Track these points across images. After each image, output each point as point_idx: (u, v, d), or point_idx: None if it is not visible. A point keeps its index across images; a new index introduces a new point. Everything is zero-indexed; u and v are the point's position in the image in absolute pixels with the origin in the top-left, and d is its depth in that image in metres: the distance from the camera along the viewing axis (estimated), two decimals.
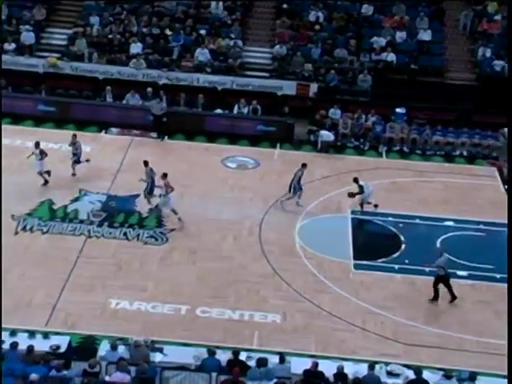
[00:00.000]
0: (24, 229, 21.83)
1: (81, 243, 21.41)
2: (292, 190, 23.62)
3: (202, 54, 30.79)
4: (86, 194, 23.74)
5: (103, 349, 16.83)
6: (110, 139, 27.63)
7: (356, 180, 23.72)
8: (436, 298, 19.79)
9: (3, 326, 17.65)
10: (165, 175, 22.57)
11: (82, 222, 22.40)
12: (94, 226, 22.26)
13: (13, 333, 17.09)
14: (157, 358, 16.60)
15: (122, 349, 16.66)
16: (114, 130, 28.19)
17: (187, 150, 27.24)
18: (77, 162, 24.64)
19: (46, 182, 24.00)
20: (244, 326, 18.81)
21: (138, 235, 22.05)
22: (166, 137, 28.04)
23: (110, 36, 31.42)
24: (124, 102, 29.11)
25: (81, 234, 21.86)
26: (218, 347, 16.95)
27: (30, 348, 15.94)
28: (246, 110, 29.14)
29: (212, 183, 24.86)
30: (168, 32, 31.75)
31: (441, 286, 19.73)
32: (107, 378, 15.36)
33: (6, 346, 16.16)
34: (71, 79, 29.98)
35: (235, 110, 29.22)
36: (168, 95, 29.35)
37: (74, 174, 24.60)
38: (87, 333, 18.05)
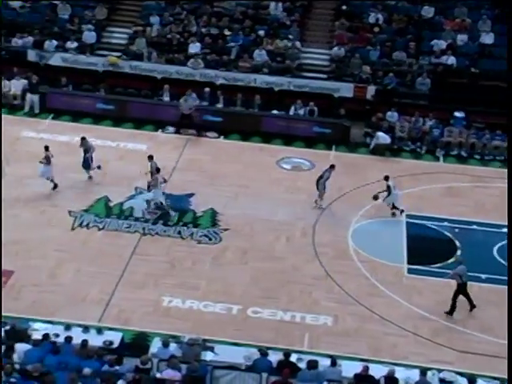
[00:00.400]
0: (81, 225, 22.13)
1: (135, 240, 21.63)
2: (321, 188, 23.61)
3: (259, 55, 30.84)
4: (142, 192, 23.95)
5: (155, 346, 16.98)
6: (166, 138, 27.83)
7: (386, 178, 23.40)
8: (452, 311, 19.32)
9: (58, 319, 18.05)
10: (158, 170, 22.76)
11: (137, 219, 22.61)
12: (148, 223, 22.47)
13: (67, 327, 17.38)
14: (208, 356, 16.68)
15: (173, 346, 16.77)
16: (170, 128, 28.39)
17: (242, 151, 27.29)
18: (87, 166, 24.12)
19: (55, 185, 23.48)
20: (295, 327, 18.78)
21: (192, 234, 22.18)
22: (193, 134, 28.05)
23: (169, 36, 31.65)
24: (181, 101, 29.25)
25: (136, 231, 22.08)
26: (268, 348, 16.93)
27: (84, 343, 16.15)
28: (302, 112, 29.07)
29: (266, 184, 24.85)
30: (227, 32, 31.86)
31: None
32: (158, 375, 15.48)
33: (60, 340, 16.42)
34: (130, 78, 30.25)
35: (291, 111, 29.17)
36: (225, 95, 29.47)
37: (90, 177, 24.18)
38: (140, 329, 18.25)
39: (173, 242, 21.72)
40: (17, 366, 14.95)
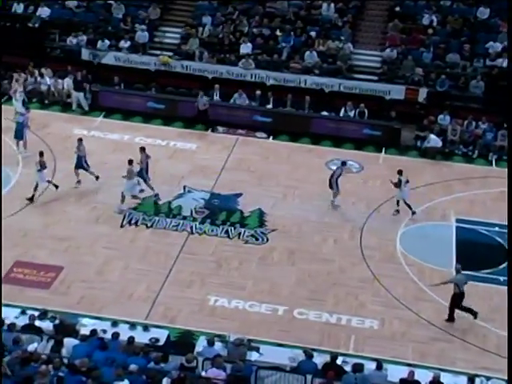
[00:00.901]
0: (129, 222, 22.32)
1: (183, 239, 21.72)
2: (334, 187, 23.49)
3: (310, 56, 30.75)
4: (190, 191, 24.06)
5: (200, 344, 17.02)
6: (215, 138, 27.91)
7: (400, 172, 23.18)
8: (473, 314, 18.94)
9: (106, 315, 18.22)
10: (130, 162, 22.79)
11: (185, 218, 22.71)
12: (196, 222, 22.55)
13: (115, 323, 17.53)
14: (253, 356, 16.67)
15: (218, 346, 16.80)
16: (220, 128, 28.46)
17: (291, 152, 27.23)
18: (80, 167, 23.64)
19: (56, 186, 23.14)
20: (341, 329, 18.68)
21: (239, 234, 22.20)
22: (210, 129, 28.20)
23: (221, 36, 31.76)
24: (231, 101, 29.38)
25: (183, 230, 22.17)
26: (313, 349, 16.84)
27: (131, 339, 16.27)
28: (352, 113, 28.90)
29: (315, 185, 24.75)
30: (278, 33, 31.83)
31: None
32: (203, 374, 15.50)
33: (108, 336, 16.58)
34: (181, 77, 30.40)
35: (341, 113, 29.01)
36: (275, 96, 29.45)
37: (78, 181, 23.71)
38: (185, 328, 18.31)
39: (220, 242, 21.76)
40: (65, 361, 15.12)
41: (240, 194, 24.01)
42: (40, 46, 31.00)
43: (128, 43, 31.17)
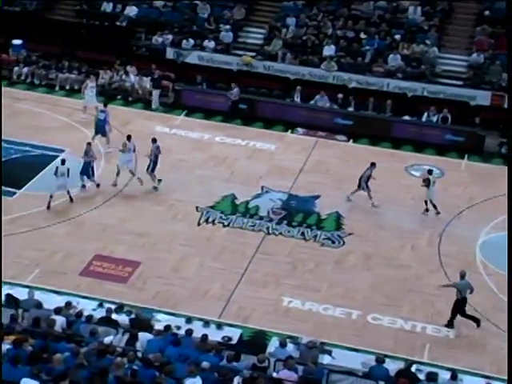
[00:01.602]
0: (207, 221, 22.46)
1: (259, 239, 21.75)
2: (363, 186, 23.39)
3: (394, 59, 30.41)
4: (268, 192, 24.10)
5: (272, 345, 17.00)
6: (295, 139, 27.87)
7: (430, 172, 23.18)
8: (476, 322, 18.61)
9: (180, 312, 18.39)
10: (128, 137, 23.58)
11: (261, 218, 22.75)
12: (273, 223, 22.54)
13: (189, 320, 17.67)
14: (325, 360, 16.54)
15: (291, 347, 16.74)
16: (299, 130, 28.41)
17: (371, 155, 26.89)
18: (84, 173, 23.26)
19: (71, 199, 22.65)
20: (415, 337, 18.40)
21: (316, 236, 22.11)
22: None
23: (305, 37, 31.71)
24: (312, 102, 29.30)
25: (260, 230, 22.20)
26: (386, 356, 16.63)
27: (204, 337, 16.34)
28: (435, 118, 28.45)
29: (394, 190, 24.46)
30: (362, 35, 31.60)
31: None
32: (274, 375, 15.44)
33: (181, 332, 16.72)
34: (263, 78, 30.49)
35: (424, 118, 28.59)
36: (356, 99, 29.25)
37: (83, 186, 23.35)
38: (258, 328, 18.32)
39: (296, 244, 21.72)
40: (139, 354, 15.31)
41: (318, 197, 23.90)
42: (126, 45, 31.56)
43: (212, 43, 31.43)
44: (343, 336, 18.13)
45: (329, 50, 30.96)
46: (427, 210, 23.31)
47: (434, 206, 23.20)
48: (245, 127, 28.34)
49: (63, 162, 22.47)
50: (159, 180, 23.71)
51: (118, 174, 23.51)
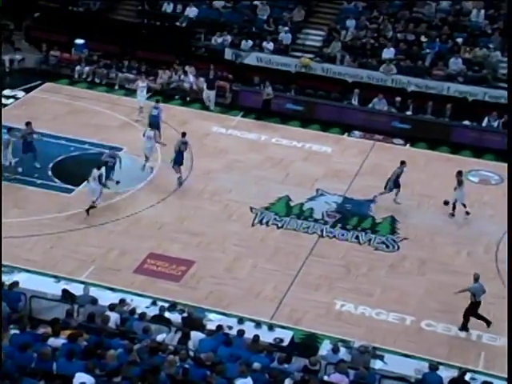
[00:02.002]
0: (260, 222, 22.46)
1: (313, 242, 21.68)
2: (388, 187, 23.21)
3: (455, 63, 30.02)
4: (323, 194, 24.00)
5: (324, 348, 16.96)
6: (352, 142, 27.73)
7: (460, 173, 23.13)
8: (487, 323, 18.54)
9: (232, 312, 18.44)
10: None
11: (316, 220, 22.67)
12: (327, 226, 22.45)
13: (240, 321, 17.71)
14: (377, 365, 16.44)
15: (342, 351, 16.66)
16: (356, 133, 28.25)
17: (429, 160, 26.70)
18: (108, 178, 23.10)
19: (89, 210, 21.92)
20: (470, 345, 18.14)
21: (370, 240, 21.95)
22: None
23: (364, 40, 31.53)
24: (370, 105, 29.11)
25: (314, 232, 22.13)
26: (440, 363, 16.43)
27: (256, 338, 16.38)
28: (496, 124, 27.99)
29: (451, 195, 24.11)
30: (423, 39, 31.27)
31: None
32: (326, 378, 15.39)
33: (233, 332, 16.76)
34: (321, 80, 30.37)
35: (484, 123, 28.16)
36: (415, 103, 28.96)
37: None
38: (310, 330, 18.26)
39: (350, 247, 21.59)
40: (191, 353, 15.41)
41: (373, 200, 23.74)
42: (186, 45, 31.80)
43: (271, 44, 31.44)
44: (396, 341, 17.97)
45: (388, 53, 30.71)
46: (453, 214, 23.21)
47: (464, 205, 23.11)
48: (301, 129, 28.28)
49: (99, 167, 22.06)
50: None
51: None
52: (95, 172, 21.70)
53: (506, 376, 15.15)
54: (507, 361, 14.85)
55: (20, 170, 23.56)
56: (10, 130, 23.39)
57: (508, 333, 16.63)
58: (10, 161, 23.14)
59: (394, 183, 23.42)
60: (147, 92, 28.38)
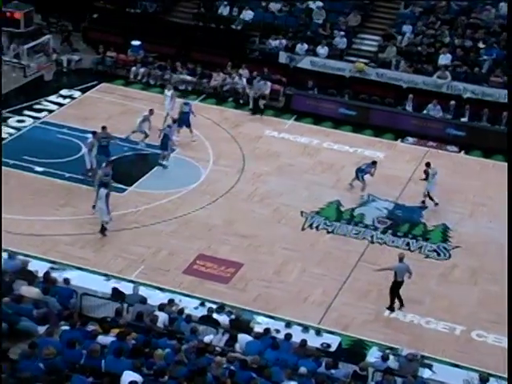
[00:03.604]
0: (311, 226, 22.40)
1: (363, 247, 21.56)
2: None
3: None
4: (374, 200, 23.85)
5: (372, 355, 16.82)
6: (404, 148, 27.48)
7: (428, 165, 23.52)
8: (401, 303, 19.16)
9: (280, 316, 18.42)
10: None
11: (366, 226, 22.54)
12: (377, 232, 22.31)
13: (288, 324, 17.67)
14: (425, 374, 16.26)
15: (390, 358, 16.47)
16: (410, 139, 28.00)
17: (484, 168, 26.33)
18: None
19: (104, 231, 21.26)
20: None
21: (421, 247, 21.74)
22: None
23: (420, 46, 31.23)
24: (424, 112, 28.82)
25: (364, 238, 22.01)
26: (490, 374, 16.18)
27: (303, 342, 16.31)
28: None
29: (505, 205, 23.68)
30: (480, 45, 30.87)
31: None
32: None
33: (280, 336, 16.73)
34: (375, 85, 30.19)
35: None
36: (471, 109, 28.58)
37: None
38: (358, 336, 18.16)
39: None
40: (237, 355, 15.42)
41: (425, 207, 23.49)
42: (240, 48, 31.89)
43: (325, 48, 31.36)
44: (445, 351, 17.78)
45: (444, 59, 30.37)
46: (424, 202, 23.54)
47: (431, 199, 23.45)
48: (354, 134, 28.14)
49: (106, 185, 21.34)
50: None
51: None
52: (102, 191, 21.02)
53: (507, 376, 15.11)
54: (507, 361, 14.69)
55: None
56: (94, 133, 23.63)
57: (508, 333, 16.46)
58: (92, 164, 23.30)
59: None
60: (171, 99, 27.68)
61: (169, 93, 27.44)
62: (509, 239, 20.70)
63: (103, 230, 21.13)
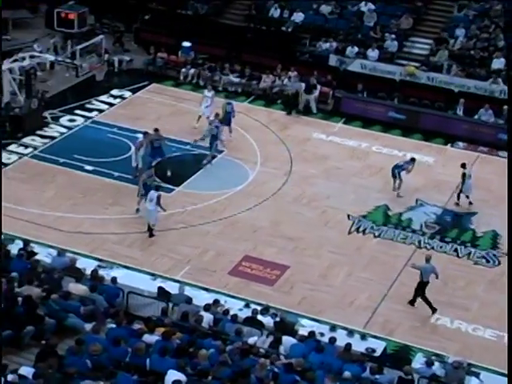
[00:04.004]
0: (357, 230, 22.28)
1: (410, 252, 21.35)
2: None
3: None
4: (422, 205, 23.61)
5: (417, 361, 16.68)
6: (454, 153, 27.11)
7: (463, 165, 23.47)
8: (432, 309, 19.03)
9: (325, 319, 18.35)
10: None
11: (414, 231, 22.33)
12: (425, 237, 22.08)
13: (333, 328, 17.64)
14: (472, 382, 16.12)
15: (436, 365, 16.34)
16: (460, 144, 27.67)
17: None
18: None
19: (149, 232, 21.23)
20: None
21: (469, 254, 21.48)
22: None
23: (473, 50, 30.85)
24: (476, 117, 28.45)
25: (411, 243, 21.81)
26: None
27: (348, 346, 16.25)
28: None
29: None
30: None
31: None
32: None
33: (325, 339, 16.68)
34: (426, 89, 29.88)
35: None
36: None
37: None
38: (403, 342, 18.00)
39: (448, 260, 21.17)
40: (282, 358, 15.41)
41: (474, 213, 23.21)
42: (290, 50, 31.86)
43: (375, 52, 31.16)
44: (493, 359, 17.45)
45: (498, 64, 29.96)
46: (470, 202, 23.61)
47: (467, 197, 23.53)
48: (403, 138, 27.89)
49: (157, 188, 21.36)
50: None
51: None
52: (152, 193, 21.02)
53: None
54: (507, 360, 14.52)
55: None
56: (145, 134, 23.80)
57: (508, 332, 16.31)
58: (137, 163, 23.44)
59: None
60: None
61: (209, 94, 27.51)
62: (509, 239, 20.52)
63: (151, 233, 21.24)
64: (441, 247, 21.70)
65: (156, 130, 24.10)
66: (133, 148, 24.02)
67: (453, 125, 28.23)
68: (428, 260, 19.22)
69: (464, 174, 23.47)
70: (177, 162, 24.95)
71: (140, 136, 24.03)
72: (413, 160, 24.10)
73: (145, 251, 20.66)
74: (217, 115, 25.62)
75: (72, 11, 31.34)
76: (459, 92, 29.55)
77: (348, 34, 32.35)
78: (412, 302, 19.28)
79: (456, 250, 21.59)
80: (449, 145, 27.66)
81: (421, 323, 18.73)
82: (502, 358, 17.33)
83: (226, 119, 26.31)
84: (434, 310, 19.04)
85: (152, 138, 23.87)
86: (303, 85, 29.51)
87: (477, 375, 16.30)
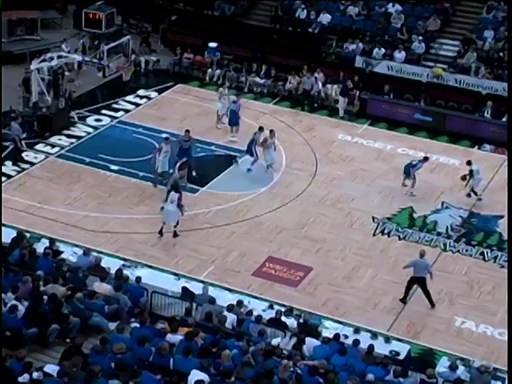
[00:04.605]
0: (382, 232, 22.18)
1: (435, 255, 21.21)
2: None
3: None
4: (448, 208, 23.46)
5: (441, 365, 16.59)
6: (482, 155, 26.88)
7: (469, 163, 23.54)
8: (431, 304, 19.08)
9: (348, 321, 18.31)
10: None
11: (439, 234, 22.19)
12: (450, 240, 21.95)
13: (357, 330, 17.64)
14: None
15: (461, 369, 16.25)
16: (487, 146, 27.45)
17: None
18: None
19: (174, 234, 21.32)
20: None
21: (496, 257, 21.30)
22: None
23: (501, 52, 30.60)
24: (504, 119, 28.21)
25: (436, 246, 21.68)
26: None
27: (371, 348, 16.21)
28: None
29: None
30: None
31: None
32: None
33: (348, 342, 16.64)
34: (453, 91, 29.70)
35: None
36: None
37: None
38: (428, 345, 17.90)
39: (474, 263, 21.04)
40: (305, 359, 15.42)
41: (501, 217, 22.99)
42: (316, 51, 31.81)
43: (402, 53, 31.00)
44: None
45: None
46: (469, 194, 23.75)
47: (475, 193, 23.62)
48: (429, 140, 27.73)
49: (176, 190, 21.41)
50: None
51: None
52: (173, 194, 21.02)
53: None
54: (507, 360, 14.41)
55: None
56: (167, 138, 23.75)
57: (508, 332, 16.23)
58: (158, 165, 23.37)
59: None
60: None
61: (226, 91, 27.60)
62: (509, 237, 20.39)
63: (175, 233, 21.25)
64: (467, 250, 21.56)
65: (187, 131, 24.10)
66: (155, 151, 23.76)
67: (480, 127, 28.02)
68: (422, 255, 19.20)
69: (471, 171, 23.47)
70: (202, 163, 24.97)
71: (162, 140, 23.81)
72: (426, 159, 24.03)
73: (169, 251, 20.72)
74: (271, 131, 25.17)
75: (100, 12, 31.57)
76: (487, 94, 29.33)
77: (375, 36, 32.22)
78: (403, 299, 19.16)
79: (482, 254, 21.44)
80: (476, 147, 27.46)
81: (445, 327, 18.62)
82: None
83: (232, 119, 26.31)
84: (432, 305, 19.01)
85: (181, 139, 23.91)
86: (319, 82, 29.57)
87: (503, 380, 16.14)
